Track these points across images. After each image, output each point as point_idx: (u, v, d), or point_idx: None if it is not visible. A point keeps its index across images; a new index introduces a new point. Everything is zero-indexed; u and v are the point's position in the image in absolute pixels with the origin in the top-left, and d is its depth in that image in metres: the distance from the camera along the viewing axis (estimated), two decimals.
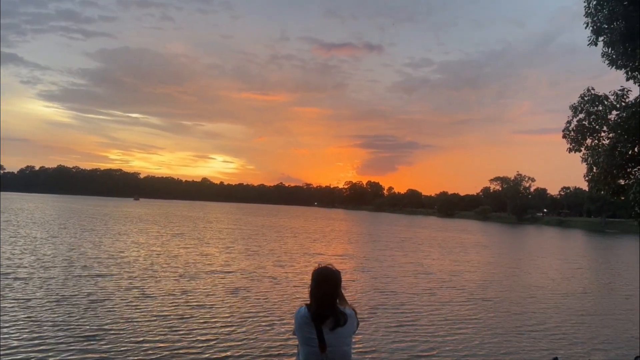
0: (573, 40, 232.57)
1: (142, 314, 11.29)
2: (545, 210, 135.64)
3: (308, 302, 3.23)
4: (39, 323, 10.01)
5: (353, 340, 3.32)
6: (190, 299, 13.19)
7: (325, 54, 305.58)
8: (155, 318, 10.95)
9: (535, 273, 23.24)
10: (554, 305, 15.39)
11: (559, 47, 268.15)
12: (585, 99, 11.36)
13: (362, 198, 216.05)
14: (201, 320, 11.04)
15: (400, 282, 17.91)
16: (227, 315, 11.70)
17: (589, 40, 10.97)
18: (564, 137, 12.01)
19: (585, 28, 10.96)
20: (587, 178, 11.59)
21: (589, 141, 11.51)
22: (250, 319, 11.41)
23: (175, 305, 12.28)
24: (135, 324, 10.40)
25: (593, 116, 11.26)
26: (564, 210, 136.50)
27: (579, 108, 11.50)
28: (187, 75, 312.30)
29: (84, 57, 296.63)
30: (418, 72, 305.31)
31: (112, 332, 9.73)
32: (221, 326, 10.68)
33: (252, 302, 13.25)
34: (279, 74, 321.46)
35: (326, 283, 3.15)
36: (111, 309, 11.51)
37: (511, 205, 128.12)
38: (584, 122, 11.43)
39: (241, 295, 14.21)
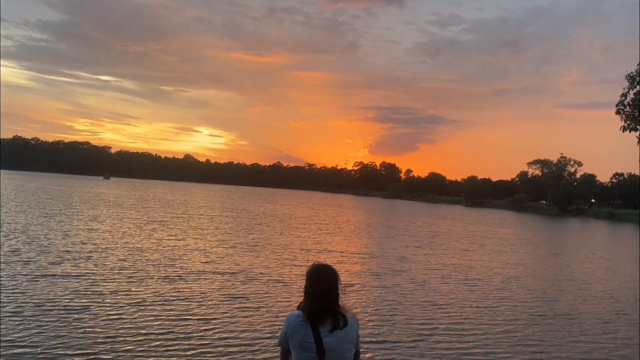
0: None
1: (125, 327, 10.32)
2: (593, 200, 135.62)
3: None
4: None
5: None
6: (187, 308, 12.30)
7: (333, 6, 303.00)
8: (141, 333, 10.01)
9: (609, 282, 22.58)
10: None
11: (618, 3, 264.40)
12: None
13: (375, 182, 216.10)
14: (202, 339, 10.03)
15: (451, 294, 16.98)
16: (232, 331, 10.69)
17: None
18: (617, 112, 11.42)
19: None
20: None
21: None
22: (263, 339, 10.29)
23: (167, 318, 11.31)
24: (117, 340, 9.43)
25: None
26: (615, 200, 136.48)
27: (638, 77, 11.00)
28: (168, 30, 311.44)
29: (44, 6, 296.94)
30: (445, 32, 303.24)
31: (89, 351, 8.80)
32: (226, 347, 9.68)
33: (263, 313, 12.31)
34: (278, 31, 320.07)
35: (323, 279, 3.36)
36: (87, 320, 10.50)
37: (552, 193, 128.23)
38: None
39: (249, 303, 13.26)
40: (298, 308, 3.36)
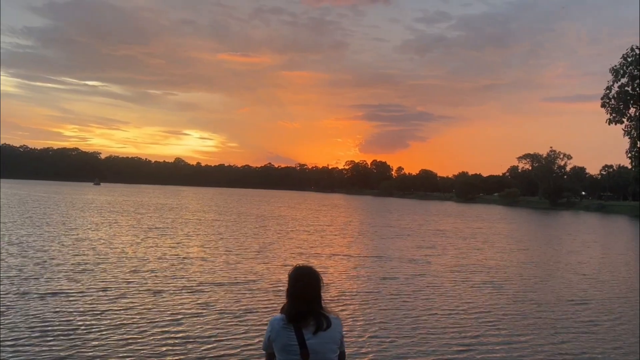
0: None
1: (130, 348, 9.28)
2: (583, 193, 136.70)
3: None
4: None
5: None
6: (196, 322, 11.08)
7: (318, 4, 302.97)
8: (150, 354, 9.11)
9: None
10: None
11: None
12: (629, 60, 10.21)
13: (366, 180, 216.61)
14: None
15: (477, 298, 16.00)
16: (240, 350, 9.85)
17: None
18: (602, 105, 11.31)
19: None
20: (629, 154, 11.51)
21: (632, 110, 11.10)
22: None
23: (174, 335, 10.16)
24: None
25: (638, 80, 10.72)
26: (605, 192, 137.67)
27: (621, 71, 10.60)
28: (154, 33, 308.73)
29: (29, 13, 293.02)
30: (432, 29, 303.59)
31: None
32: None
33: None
34: (264, 32, 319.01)
35: (305, 280, 3.37)
36: (89, 339, 9.39)
37: (543, 187, 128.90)
38: (626, 88, 10.84)
39: (260, 314, 12.10)
40: (281, 311, 3.34)
